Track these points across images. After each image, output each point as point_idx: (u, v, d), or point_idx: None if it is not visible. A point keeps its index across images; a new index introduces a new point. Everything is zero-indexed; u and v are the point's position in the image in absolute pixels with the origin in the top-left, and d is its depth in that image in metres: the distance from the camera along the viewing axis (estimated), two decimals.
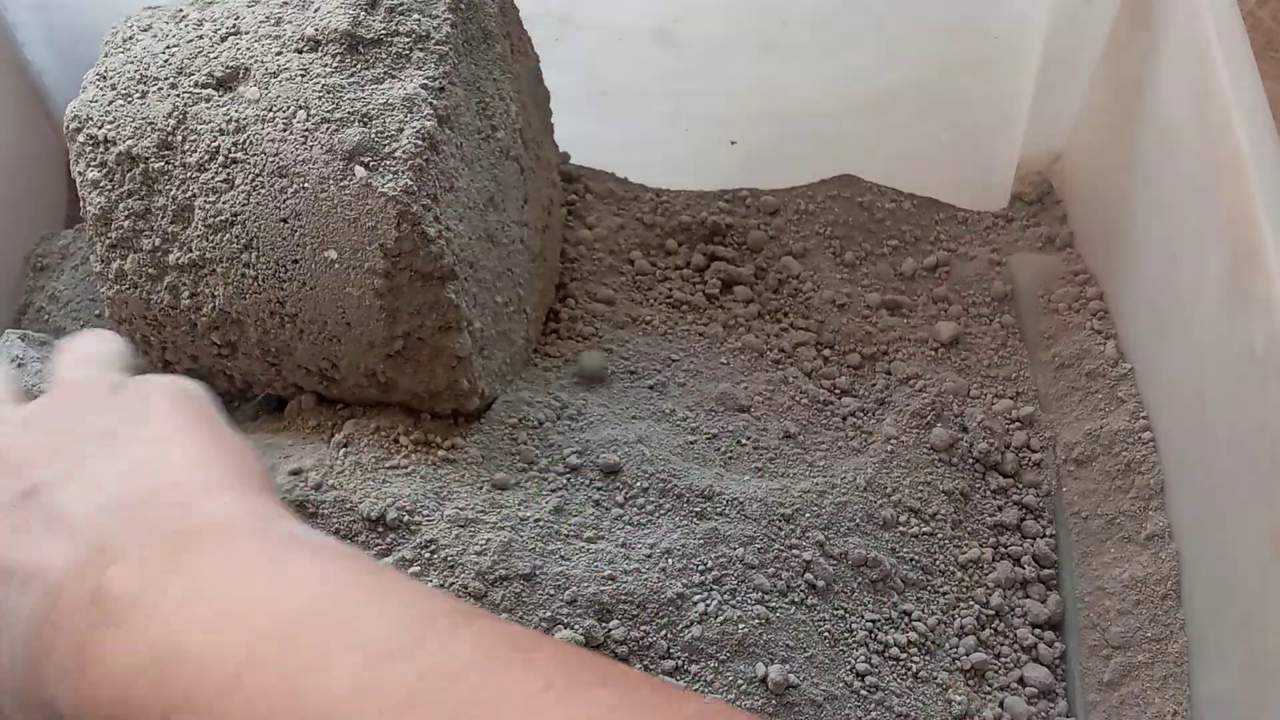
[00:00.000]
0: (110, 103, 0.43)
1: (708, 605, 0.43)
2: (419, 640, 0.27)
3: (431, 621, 0.28)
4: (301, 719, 0.26)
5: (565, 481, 0.45)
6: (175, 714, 0.27)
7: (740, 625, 0.43)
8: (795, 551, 0.46)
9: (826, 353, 0.56)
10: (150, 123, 0.42)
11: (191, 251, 0.43)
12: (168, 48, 0.44)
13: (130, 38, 0.45)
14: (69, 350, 0.40)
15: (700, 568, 0.44)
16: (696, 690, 0.42)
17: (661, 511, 0.46)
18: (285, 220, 0.41)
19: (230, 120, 0.42)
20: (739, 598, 0.44)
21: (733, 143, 0.65)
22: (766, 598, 0.44)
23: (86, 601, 0.29)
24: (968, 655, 0.47)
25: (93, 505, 0.32)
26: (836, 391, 0.55)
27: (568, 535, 0.43)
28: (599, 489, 0.46)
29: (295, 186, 0.41)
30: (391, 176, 0.40)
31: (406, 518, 0.42)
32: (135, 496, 0.32)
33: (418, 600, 0.29)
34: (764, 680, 0.43)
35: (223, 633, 0.28)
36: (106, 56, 0.45)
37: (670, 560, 0.44)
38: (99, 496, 0.32)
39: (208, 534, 0.30)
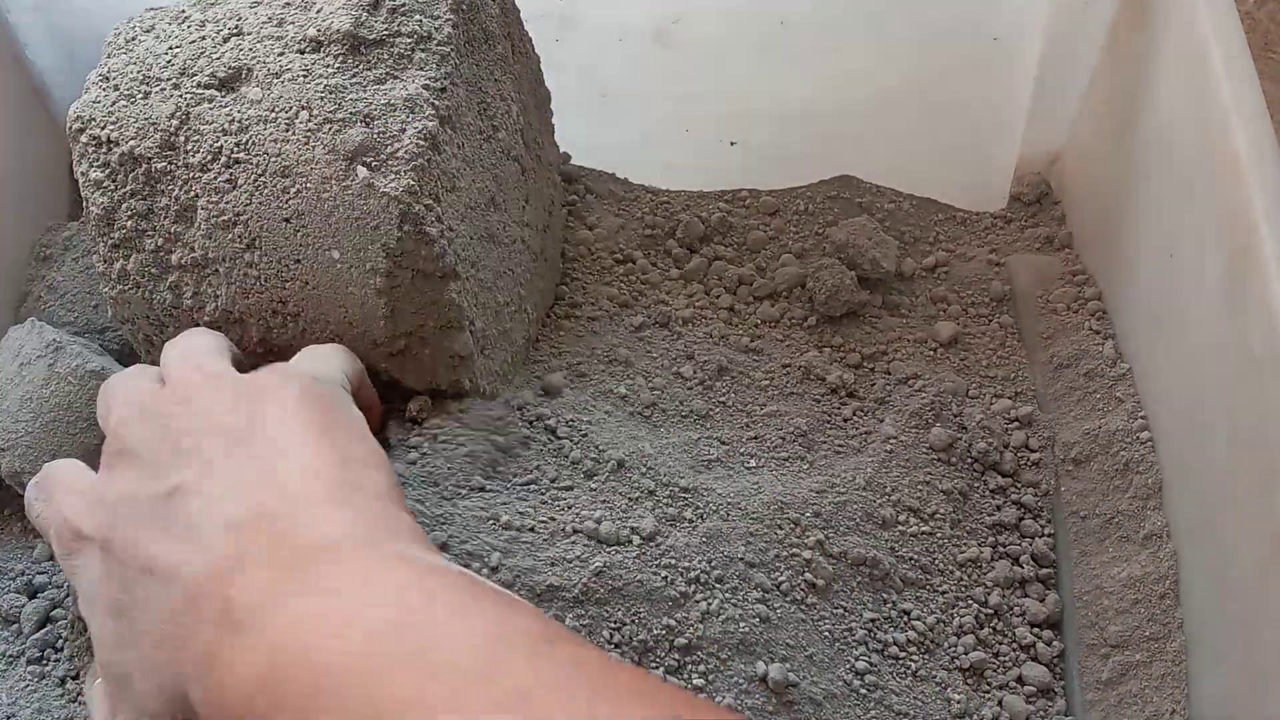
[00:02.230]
0: (113, 103, 0.43)
1: (709, 604, 0.43)
2: (498, 664, 0.29)
3: (511, 645, 0.29)
4: None
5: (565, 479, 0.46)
6: None
7: (741, 624, 0.43)
8: (795, 550, 0.46)
9: (826, 352, 0.57)
10: (153, 123, 0.42)
11: (194, 251, 0.43)
12: (170, 48, 0.44)
13: (133, 39, 0.45)
14: (176, 345, 0.41)
15: (702, 566, 0.44)
16: (696, 688, 0.42)
17: (663, 510, 0.46)
18: (288, 220, 0.41)
19: (233, 120, 0.42)
20: (740, 596, 0.44)
21: (733, 143, 0.65)
22: (767, 596, 0.45)
23: (217, 610, 0.32)
24: (966, 654, 0.47)
25: (221, 518, 0.34)
26: (837, 391, 0.55)
27: (571, 533, 0.44)
28: (601, 486, 0.46)
29: (298, 186, 0.41)
30: (394, 177, 0.40)
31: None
32: (257, 510, 0.34)
33: (506, 621, 0.30)
34: (764, 679, 0.43)
35: (319, 650, 0.30)
36: (109, 57, 0.45)
37: (672, 558, 0.44)
38: (227, 508, 0.34)
39: (320, 554, 0.32)
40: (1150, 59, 0.52)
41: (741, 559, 0.45)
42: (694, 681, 0.42)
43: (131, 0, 0.47)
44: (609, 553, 0.43)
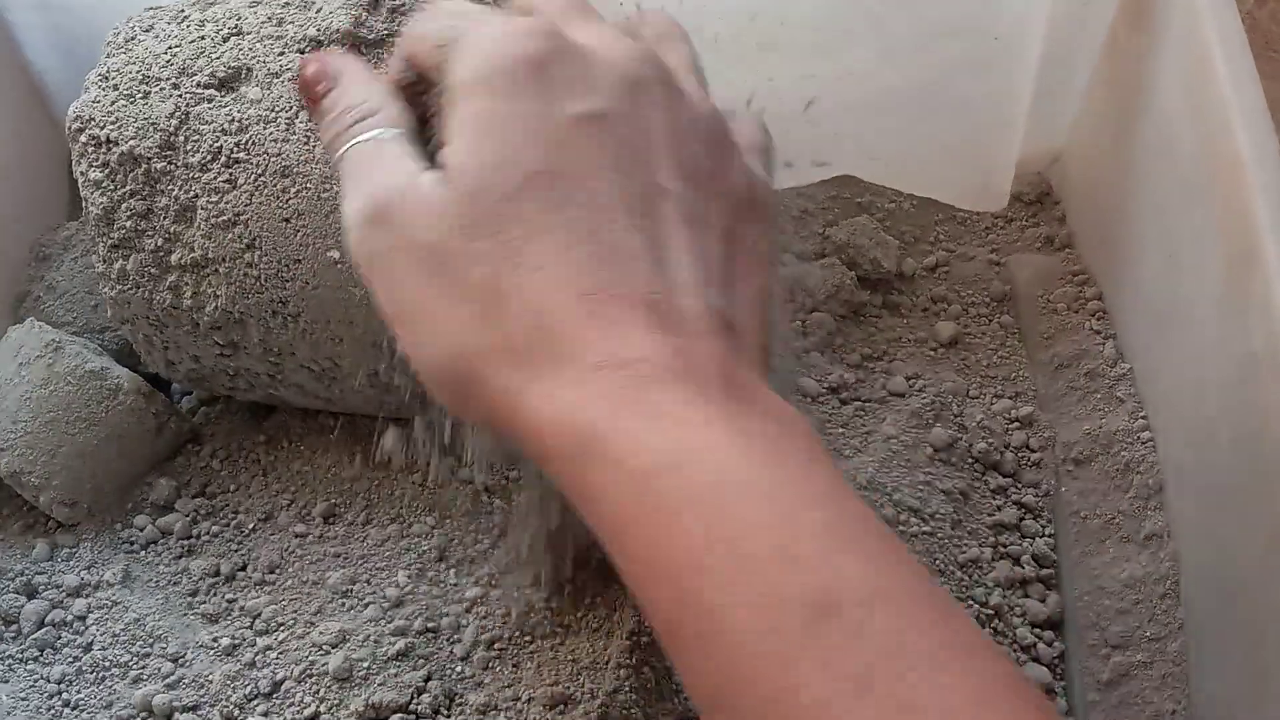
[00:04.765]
0: (112, 103, 0.43)
1: None
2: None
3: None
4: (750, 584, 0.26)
5: None
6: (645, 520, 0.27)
7: None
8: None
9: (827, 352, 0.56)
10: (152, 123, 0.42)
11: (194, 251, 0.43)
12: (170, 48, 0.44)
13: (132, 38, 0.45)
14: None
15: None
16: None
17: None
18: (288, 220, 0.41)
19: (233, 120, 0.42)
20: None
21: None
22: None
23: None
24: None
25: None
26: (837, 391, 0.55)
27: None
28: None
29: (298, 186, 0.41)
30: None
31: None
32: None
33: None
34: None
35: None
36: (108, 57, 0.45)
37: None
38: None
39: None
40: (1151, 58, 0.52)
41: None
42: None
43: (131, 0, 0.47)
44: None
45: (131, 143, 0.42)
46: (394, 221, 0.30)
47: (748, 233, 0.33)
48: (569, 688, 0.42)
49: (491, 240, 0.30)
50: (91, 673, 0.44)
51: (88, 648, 0.45)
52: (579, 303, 0.29)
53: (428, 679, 0.43)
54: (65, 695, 0.43)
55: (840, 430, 0.53)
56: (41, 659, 0.45)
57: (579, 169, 0.30)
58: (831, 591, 0.26)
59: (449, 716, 0.42)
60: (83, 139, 0.43)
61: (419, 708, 0.42)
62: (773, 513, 0.27)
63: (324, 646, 0.44)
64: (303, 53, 0.42)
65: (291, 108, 0.41)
